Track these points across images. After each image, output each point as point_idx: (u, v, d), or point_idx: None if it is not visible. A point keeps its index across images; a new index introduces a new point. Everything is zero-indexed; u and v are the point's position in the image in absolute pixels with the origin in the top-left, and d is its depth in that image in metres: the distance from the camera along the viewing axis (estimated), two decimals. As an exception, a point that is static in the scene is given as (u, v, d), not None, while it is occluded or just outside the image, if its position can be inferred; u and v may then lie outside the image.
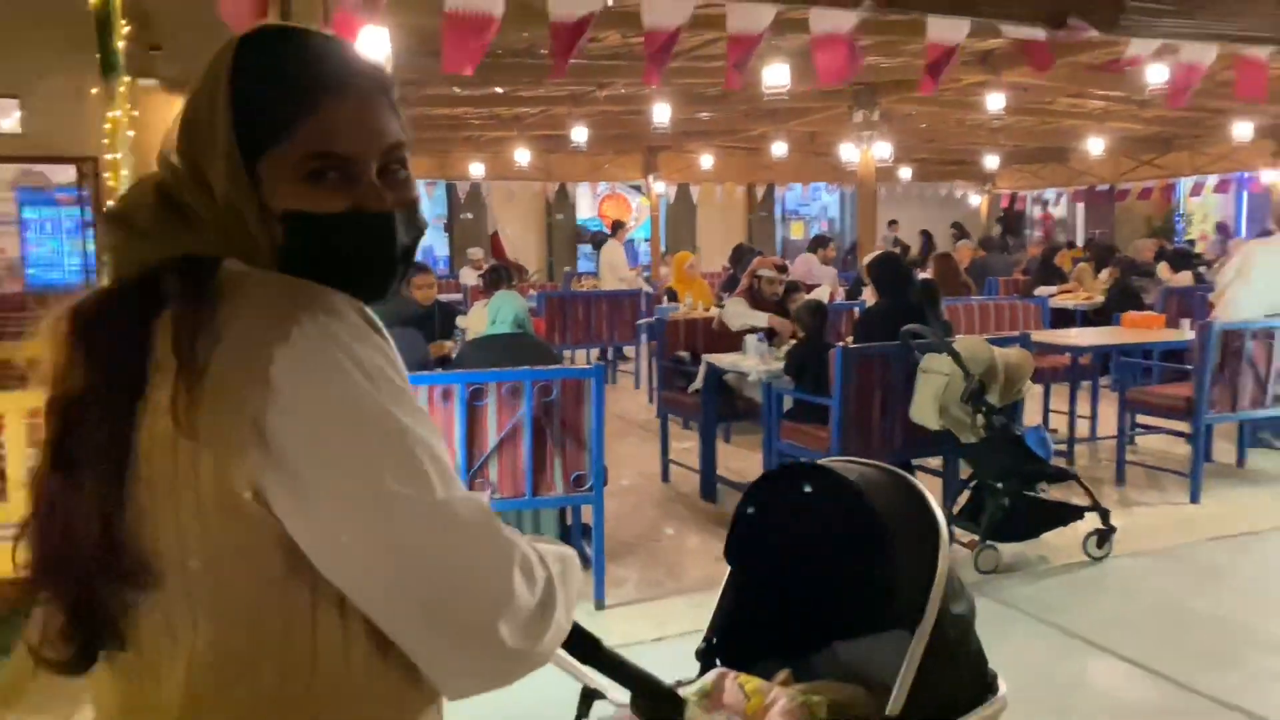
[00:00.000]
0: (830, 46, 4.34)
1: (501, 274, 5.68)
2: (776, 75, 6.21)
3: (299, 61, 0.94)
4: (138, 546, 0.88)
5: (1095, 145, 12.46)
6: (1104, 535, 4.76)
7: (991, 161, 15.21)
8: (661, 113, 8.14)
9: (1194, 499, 5.70)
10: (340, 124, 0.93)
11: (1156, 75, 6.44)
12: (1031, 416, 7.62)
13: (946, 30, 4.48)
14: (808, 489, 1.89)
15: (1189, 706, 3.34)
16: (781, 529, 1.96)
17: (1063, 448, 6.44)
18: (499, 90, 8.80)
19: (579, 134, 9.94)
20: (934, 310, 5.55)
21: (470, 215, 15.92)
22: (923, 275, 6.64)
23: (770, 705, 1.69)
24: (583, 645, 1.26)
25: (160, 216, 0.94)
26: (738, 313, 6.02)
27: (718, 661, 1.89)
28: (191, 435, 0.85)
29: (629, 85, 8.44)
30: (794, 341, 5.46)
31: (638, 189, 16.51)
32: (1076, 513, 4.77)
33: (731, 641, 1.92)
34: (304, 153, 0.92)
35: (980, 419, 4.59)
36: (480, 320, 4.77)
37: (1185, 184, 15.41)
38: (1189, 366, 6.01)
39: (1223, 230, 15.41)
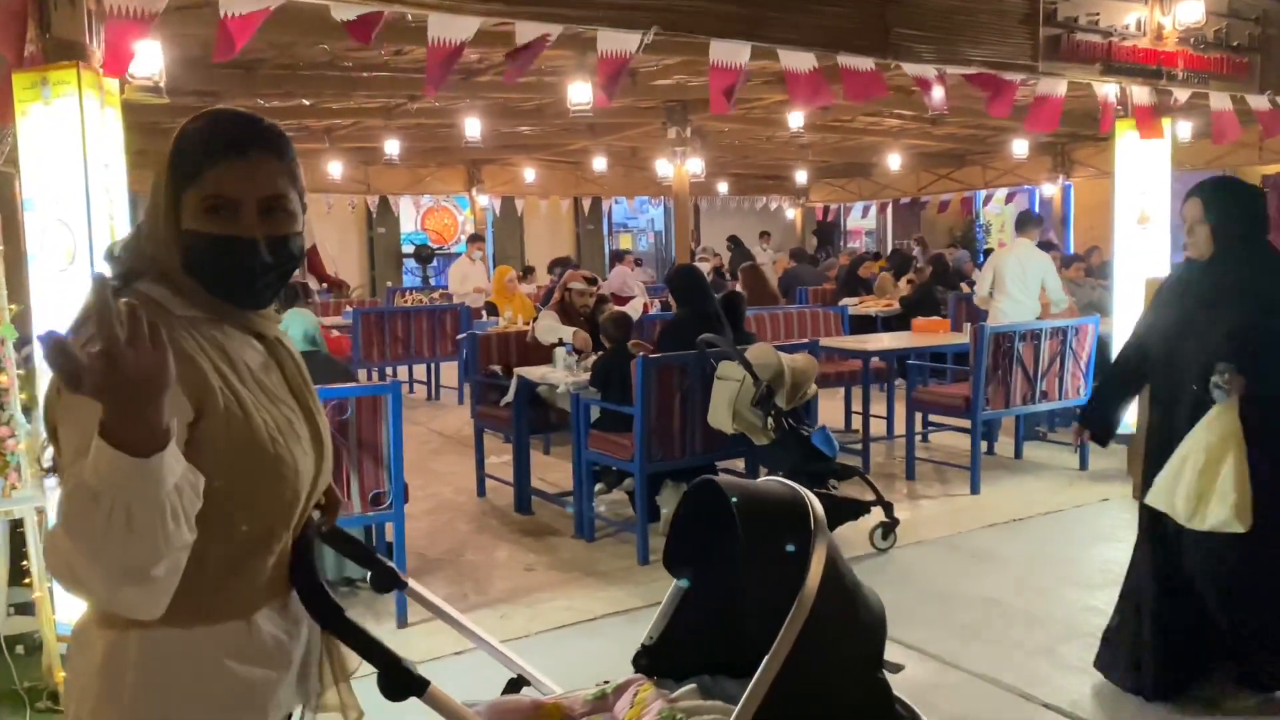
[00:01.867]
0: (611, 66, 4.48)
1: (295, 291, 5.57)
2: (580, 93, 6.34)
3: (215, 130, 1.35)
4: None
5: (894, 160, 13.23)
6: (888, 528, 5.08)
7: (802, 176, 15.89)
8: (472, 127, 8.14)
9: (974, 490, 6.16)
10: (231, 176, 1.33)
11: (937, 95, 6.96)
12: (834, 417, 8.07)
13: (728, 54, 4.71)
14: (719, 502, 1.80)
15: (951, 681, 3.62)
16: (712, 542, 1.89)
17: (859, 446, 6.81)
18: (305, 102, 8.59)
19: (392, 146, 9.80)
20: (736, 320, 5.79)
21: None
22: (734, 286, 6.86)
23: (643, 716, 1.72)
24: (324, 613, 1.39)
25: (125, 246, 1.40)
26: (548, 326, 6.10)
27: (651, 669, 1.90)
28: None
29: (440, 98, 8.40)
30: (600, 353, 5.58)
31: (463, 202, 16.38)
32: (863, 507, 5.06)
33: (667, 652, 1.92)
34: (206, 193, 1.32)
35: (770, 421, 4.82)
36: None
37: (983, 196, 16.60)
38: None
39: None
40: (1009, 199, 15.86)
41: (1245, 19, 6.56)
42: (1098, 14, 5.91)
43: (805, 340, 6.18)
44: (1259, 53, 6.64)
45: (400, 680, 1.42)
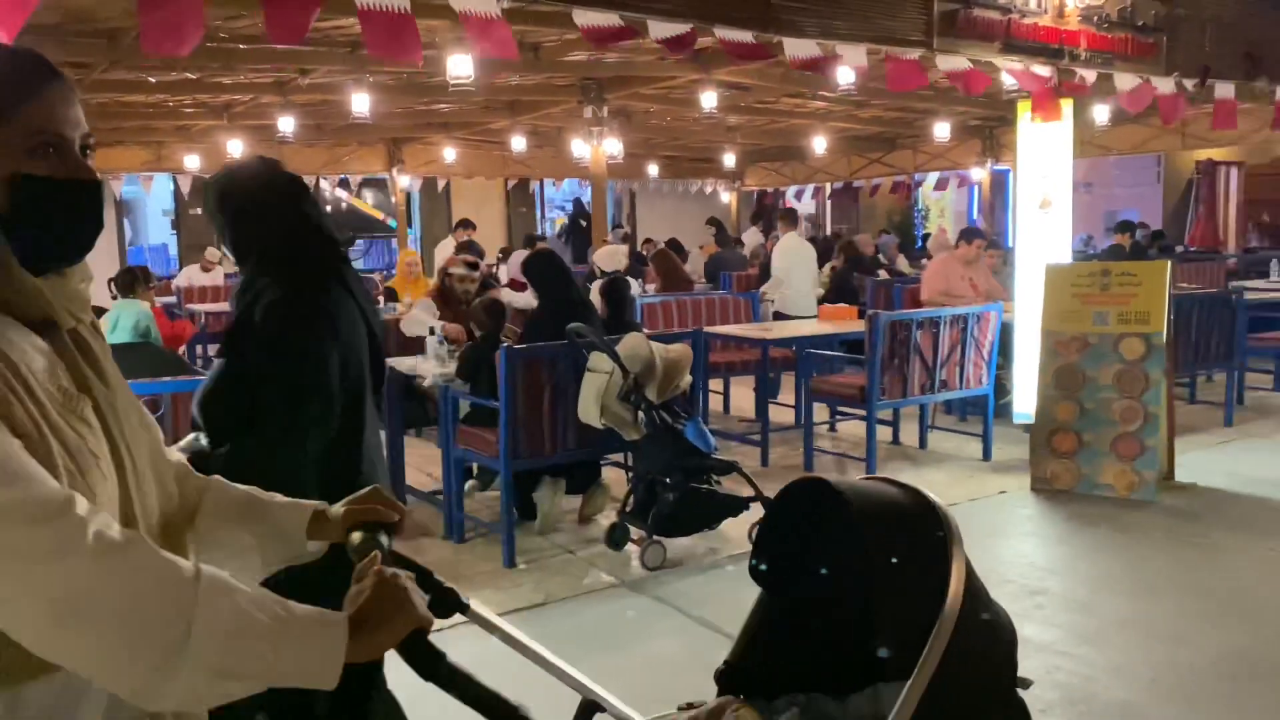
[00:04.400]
0: (485, 27, 4.16)
1: (133, 277, 5.19)
2: (460, 66, 6.00)
3: (12, 57, 1.15)
4: None
5: (820, 144, 13.03)
6: (768, 525, 4.84)
7: (731, 159, 15.63)
8: (360, 103, 7.75)
9: (870, 482, 5.94)
10: (56, 111, 1.13)
11: (844, 77, 6.72)
12: (748, 405, 7.85)
13: (597, 21, 4.41)
14: (820, 506, 1.68)
15: (801, 696, 3.38)
16: (807, 548, 1.74)
17: (758, 437, 6.59)
18: (191, 76, 8.15)
19: (286, 124, 9.36)
20: (618, 307, 5.53)
21: (200, 211, 14.83)
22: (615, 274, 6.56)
23: None
24: (422, 659, 1.13)
25: None
26: (414, 319, 5.78)
27: (737, 687, 1.73)
28: None
29: (332, 73, 8.01)
30: (469, 343, 5.28)
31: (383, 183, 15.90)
32: (742, 503, 4.83)
33: (759, 667, 1.75)
34: (28, 130, 1.09)
35: (640, 415, 4.57)
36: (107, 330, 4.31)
37: (925, 180, 16.46)
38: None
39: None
40: (940, 185, 15.73)
41: (1152, -2, 6.41)
42: (997, -11, 5.70)
43: (686, 330, 5.92)
44: (1165, 33, 6.48)
45: None
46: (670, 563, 4.65)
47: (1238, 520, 5.21)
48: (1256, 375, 8.47)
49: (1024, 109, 6.22)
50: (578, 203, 19.66)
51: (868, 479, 1.69)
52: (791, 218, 9.04)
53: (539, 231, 18.43)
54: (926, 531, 1.53)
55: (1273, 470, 6.08)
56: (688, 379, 4.74)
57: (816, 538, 1.74)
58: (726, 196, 18.01)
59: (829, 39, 5.07)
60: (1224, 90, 7.12)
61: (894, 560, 1.50)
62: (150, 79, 8.35)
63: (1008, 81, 6.06)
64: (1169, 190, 19.09)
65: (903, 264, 12.70)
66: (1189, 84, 6.77)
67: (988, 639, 1.51)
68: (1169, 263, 5.83)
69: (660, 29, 4.57)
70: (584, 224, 18.44)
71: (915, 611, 1.45)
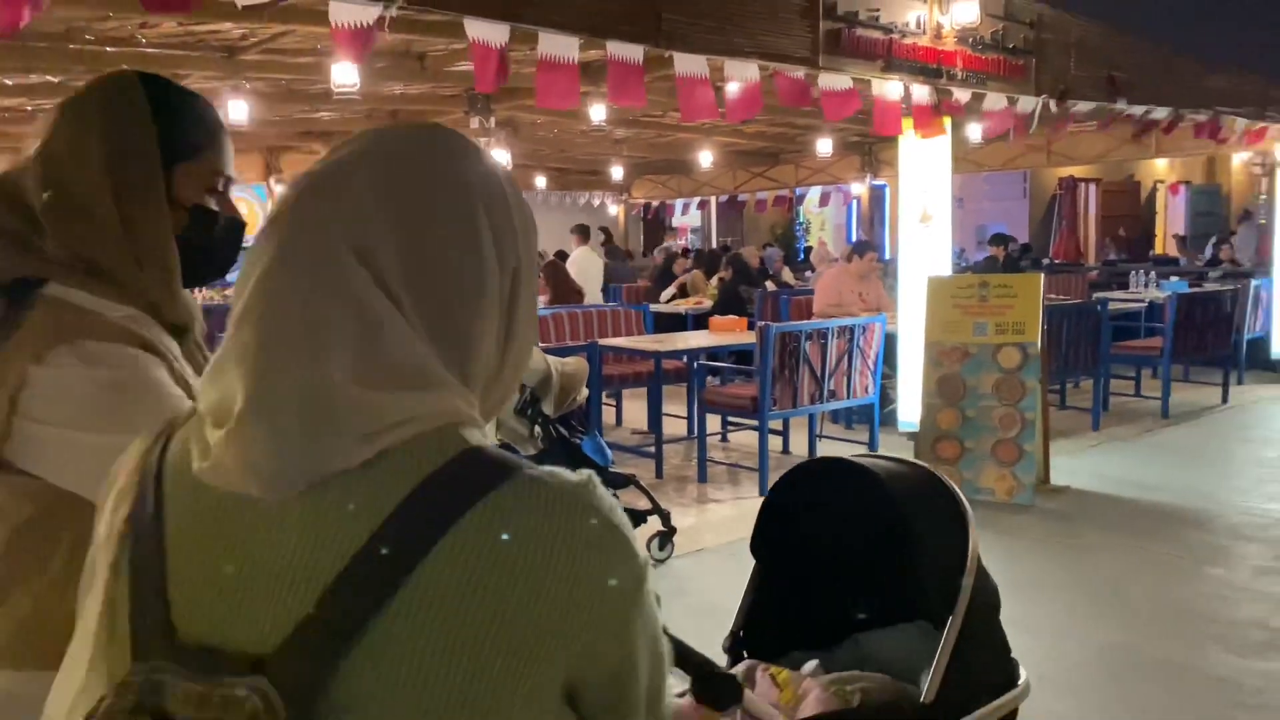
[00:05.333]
0: (354, 37, 4.04)
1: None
2: (344, 74, 5.85)
3: (205, 106, 1.35)
4: None
5: (706, 158, 13.20)
6: (665, 537, 4.86)
7: (619, 172, 15.69)
8: (238, 110, 7.48)
9: (763, 491, 6.03)
10: (229, 156, 1.36)
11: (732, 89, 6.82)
12: (639, 417, 7.86)
13: (486, 33, 4.35)
14: (833, 482, 1.95)
15: (704, 708, 3.38)
16: (808, 522, 2.00)
17: (652, 448, 6.61)
18: (53, 79, 7.70)
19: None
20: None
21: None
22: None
23: (804, 695, 1.74)
24: None
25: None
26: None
27: (745, 654, 1.95)
28: None
29: (209, 77, 7.69)
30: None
31: (260, 191, 15.37)
32: (640, 516, 4.82)
33: (759, 633, 1.98)
34: (210, 170, 1.31)
35: (537, 430, 4.50)
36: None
37: (807, 194, 16.83)
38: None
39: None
40: (824, 200, 16.14)
41: (1020, 22, 6.70)
42: (878, 10, 5.86)
43: (579, 344, 5.90)
44: (1034, 55, 6.80)
45: (726, 691, 1.33)
46: (568, 578, 4.60)
47: (1107, 521, 5.48)
48: (1119, 382, 8.95)
49: (905, 125, 6.42)
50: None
51: (877, 457, 1.98)
52: (583, 232, 10.40)
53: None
54: (943, 495, 1.83)
55: (1136, 472, 6.43)
56: (584, 392, 4.70)
57: (824, 511, 1.98)
58: (614, 209, 18.07)
59: (719, 55, 5.12)
60: (1084, 109, 7.51)
61: (920, 515, 1.79)
62: (7, 81, 7.84)
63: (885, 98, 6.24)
64: (1035, 205, 20.08)
65: (788, 276, 12.99)
66: (1053, 104, 7.12)
67: (988, 583, 1.84)
68: (1042, 275, 6.11)
69: (552, 43, 4.54)
70: None
71: (942, 559, 1.75)
